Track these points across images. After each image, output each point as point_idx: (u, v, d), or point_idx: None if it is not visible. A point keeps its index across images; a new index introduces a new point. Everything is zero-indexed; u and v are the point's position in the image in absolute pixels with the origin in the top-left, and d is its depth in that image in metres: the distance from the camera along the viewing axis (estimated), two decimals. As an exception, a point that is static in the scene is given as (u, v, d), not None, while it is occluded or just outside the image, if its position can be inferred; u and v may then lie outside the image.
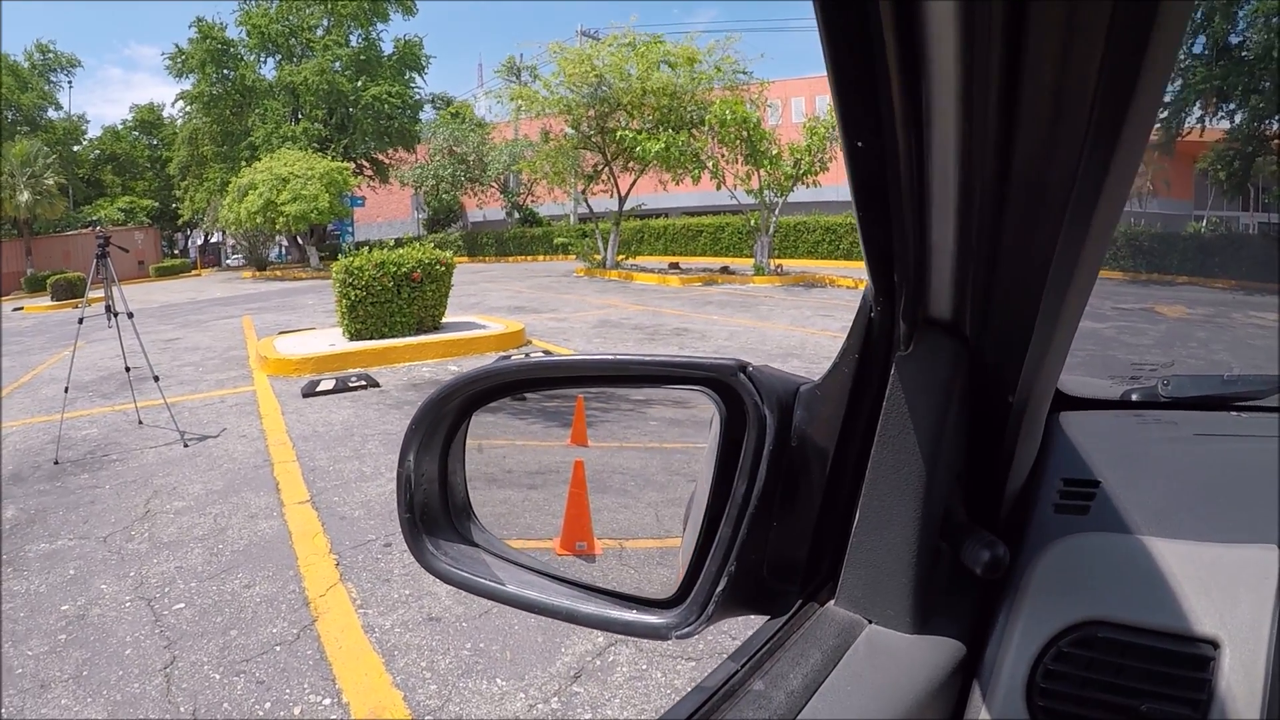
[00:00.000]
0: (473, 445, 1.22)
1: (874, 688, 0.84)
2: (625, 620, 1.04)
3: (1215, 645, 0.83)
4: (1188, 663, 0.83)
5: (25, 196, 46.11)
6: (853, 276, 27.12)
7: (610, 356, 1.08)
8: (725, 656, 0.98)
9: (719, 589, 0.95)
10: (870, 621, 0.93)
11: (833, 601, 0.98)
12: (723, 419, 1.00)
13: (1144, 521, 0.96)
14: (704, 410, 1.08)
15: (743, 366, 0.97)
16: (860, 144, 0.72)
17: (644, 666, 4.20)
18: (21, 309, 34.04)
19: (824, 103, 32.09)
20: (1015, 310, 0.81)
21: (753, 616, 1.05)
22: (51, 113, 59.57)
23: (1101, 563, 0.92)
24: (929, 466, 0.90)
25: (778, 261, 30.86)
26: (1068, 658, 0.86)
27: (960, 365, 0.90)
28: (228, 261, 61.46)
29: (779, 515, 0.98)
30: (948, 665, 0.88)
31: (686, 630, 0.97)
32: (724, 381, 0.98)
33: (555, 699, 4.03)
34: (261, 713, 4.08)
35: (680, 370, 1.03)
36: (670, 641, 1.07)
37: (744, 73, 30.94)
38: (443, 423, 1.15)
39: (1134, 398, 1.37)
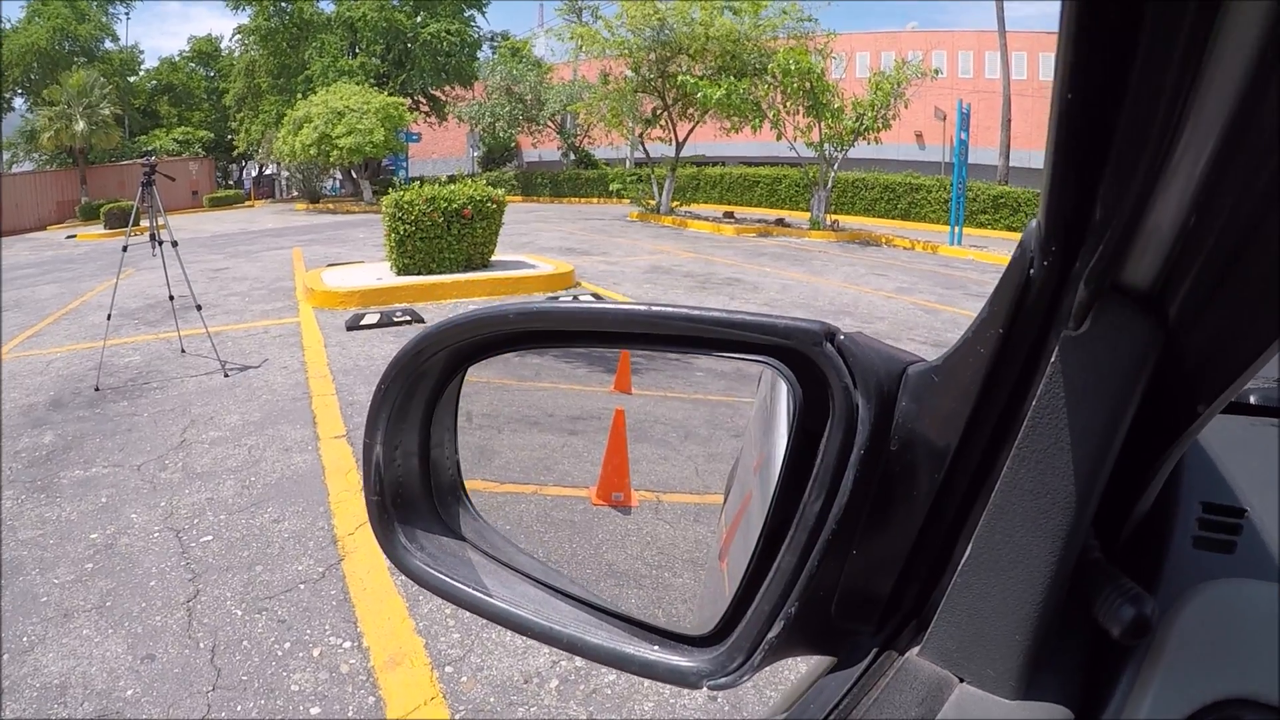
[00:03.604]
0: (464, 412, 1.02)
1: None
2: (644, 659, 0.82)
3: None
4: None
5: (81, 126, 46.46)
6: (909, 237, 26.74)
7: (644, 309, 0.80)
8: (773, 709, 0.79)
9: (772, 634, 0.74)
10: (961, 680, 0.69)
11: (915, 650, 0.73)
12: (796, 403, 0.77)
13: None
14: (752, 364, 0.91)
15: (830, 333, 0.73)
16: None
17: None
18: (74, 236, 34.42)
19: (889, 59, 31.54)
20: (1266, 290, 0.53)
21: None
22: (108, 44, 59.89)
23: (1252, 621, 0.67)
24: (1081, 491, 0.63)
25: (834, 217, 30.47)
26: None
27: (1150, 356, 0.61)
28: (288, 192, 62.13)
29: (862, 540, 0.74)
30: None
31: (724, 680, 0.76)
32: (801, 353, 0.74)
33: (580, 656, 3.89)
34: (280, 653, 3.99)
35: (741, 334, 0.76)
36: (702, 691, 0.84)
37: (809, 20, 30.44)
38: (423, 382, 0.92)
39: (1251, 399, 1.04)
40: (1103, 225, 0.54)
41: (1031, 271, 0.62)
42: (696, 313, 0.77)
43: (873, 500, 0.73)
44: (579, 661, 3.82)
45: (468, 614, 0.93)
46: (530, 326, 0.89)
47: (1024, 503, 0.65)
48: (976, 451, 0.71)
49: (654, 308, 0.79)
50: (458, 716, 3.58)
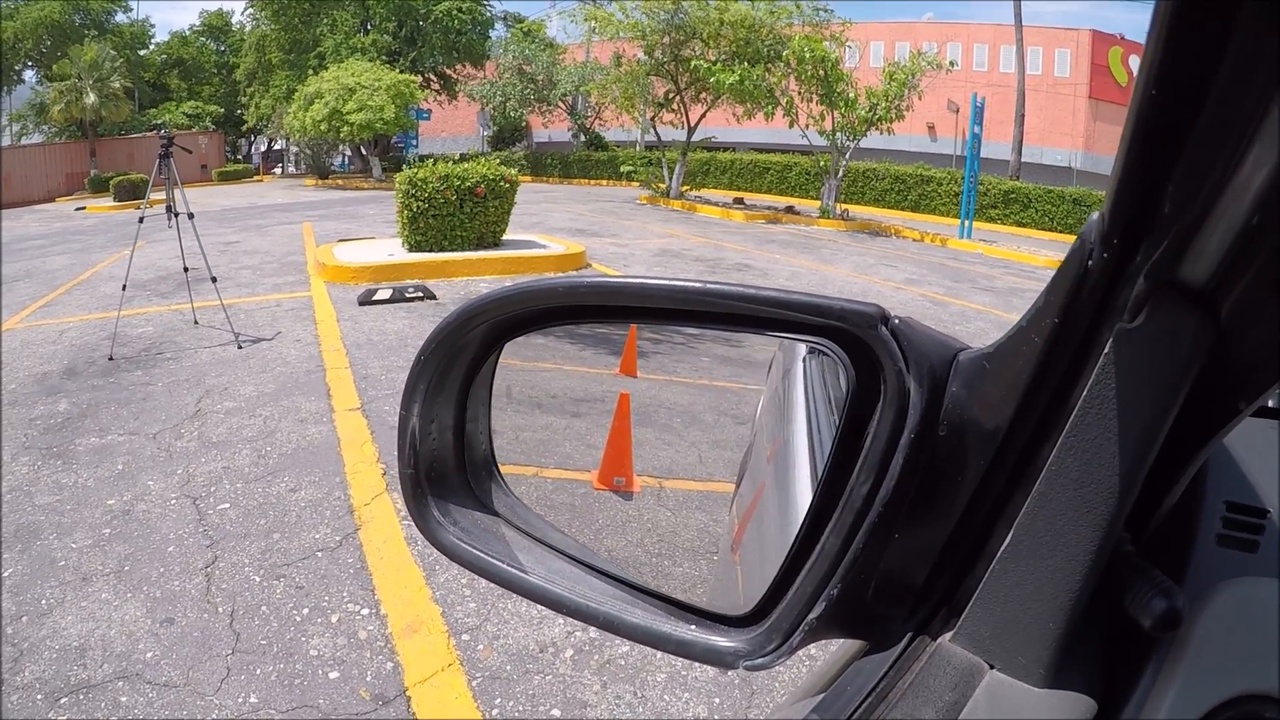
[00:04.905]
0: (501, 387, 0.99)
1: None
2: (680, 639, 0.81)
3: None
4: None
5: (91, 99, 46.41)
6: (918, 229, 26.68)
7: (698, 285, 0.76)
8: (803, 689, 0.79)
9: (813, 614, 0.74)
10: (992, 667, 0.69)
11: (948, 636, 0.73)
12: (850, 386, 0.76)
13: None
14: (759, 350, 0.90)
15: (884, 316, 0.72)
16: None
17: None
18: (84, 209, 34.35)
19: (904, 49, 31.36)
20: None
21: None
22: (120, 17, 59.52)
23: (1274, 619, 0.69)
24: (1124, 483, 0.64)
25: (844, 206, 30.26)
26: None
27: (1201, 351, 0.61)
28: (279, 168, 62.11)
29: (905, 525, 0.74)
30: None
31: (761, 661, 0.76)
32: (855, 335, 0.73)
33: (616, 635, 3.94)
34: (299, 618, 4.03)
35: (795, 315, 0.75)
36: (737, 671, 0.83)
37: (825, 9, 30.31)
38: (462, 355, 0.90)
39: (1271, 403, 0.97)
40: (1169, 221, 0.55)
41: (1090, 263, 0.62)
42: (750, 291, 0.76)
43: (919, 484, 0.73)
44: (594, 632, 3.85)
45: (484, 583, 0.93)
46: (578, 301, 0.87)
47: (1068, 492, 0.66)
48: (1023, 439, 0.71)
49: (708, 285, 0.77)
50: (474, 683, 3.62)
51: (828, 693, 0.78)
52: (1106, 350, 0.62)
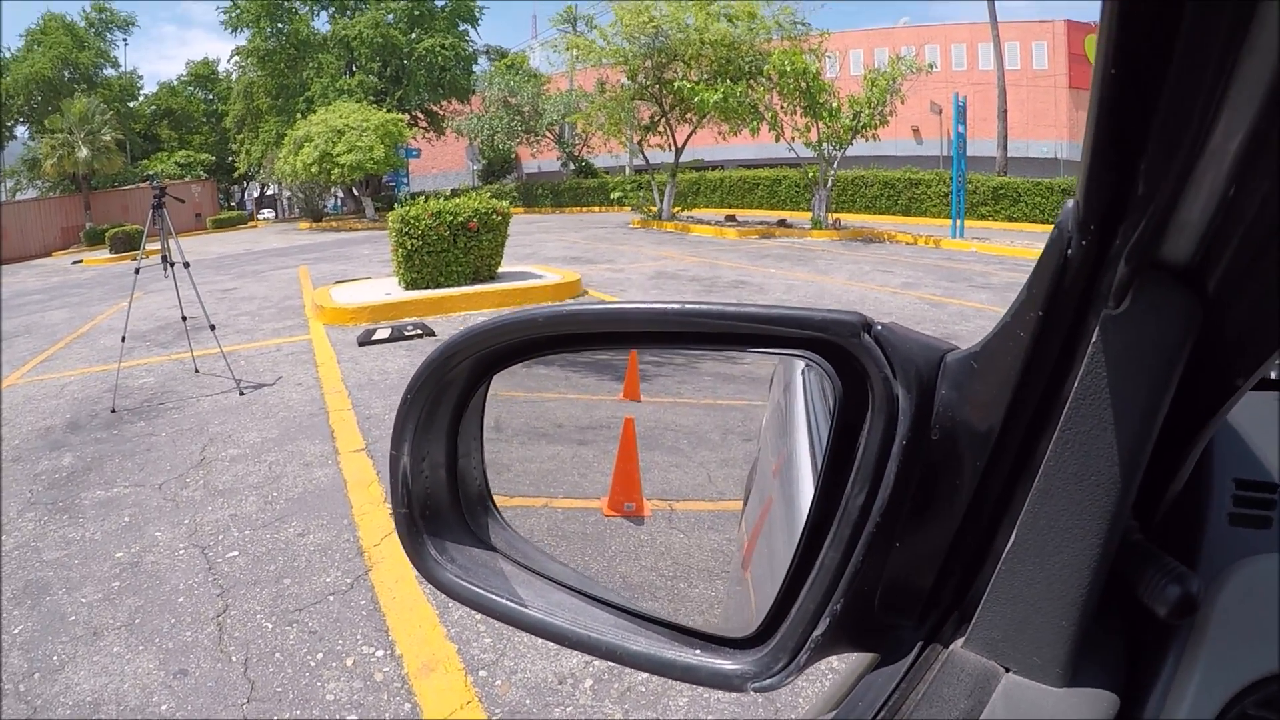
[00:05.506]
0: (491, 421, 0.99)
1: None
2: (686, 664, 0.81)
3: None
4: None
5: (84, 153, 46.81)
6: (911, 232, 26.72)
7: (676, 307, 0.76)
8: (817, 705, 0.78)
9: (817, 631, 0.73)
10: (1007, 670, 0.68)
11: (960, 642, 0.72)
12: (837, 397, 0.75)
13: None
14: (761, 366, 0.90)
15: (866, 324, 0.71)
16: None
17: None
18: (80, 262, 34.51)
19: (883, 55, 31.55)
20: None
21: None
22: (108, 70, 60.30)
23: None
24: (1125, 472, 0.62)
25: (835, 216, 30.41)
26: None
27: (1191, 331, 0.60)
28: (264, 214, 62.58)
29: (905, 532, 0.73)
30: None
31: (769, 682, 0.75)
32: (839, 345, 0.72)
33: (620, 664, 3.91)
34: (314, 663, 4.00)
35: (777, 329, 0.75)
36: (747, 694, 0.82)
37: (802, 24, 30.52)
38: (449, 391, 0.90)
39: (1273, 374, 0.96)
40: (1144, 201, 0.54)
41: (1069, 251, 0.61)
42: (730, 309, 0.75)
43: (915, 491, 0.72)
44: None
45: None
46: (558, 330, 0.87)
47: (1068, 486, 0.64)
48: (1018, 437, 0.70)
49: (686, 305, 0.76)
50: (495, 719, 3.60)
51: (839, 709, 0.76)
52: (1094, 338, 0.61)
